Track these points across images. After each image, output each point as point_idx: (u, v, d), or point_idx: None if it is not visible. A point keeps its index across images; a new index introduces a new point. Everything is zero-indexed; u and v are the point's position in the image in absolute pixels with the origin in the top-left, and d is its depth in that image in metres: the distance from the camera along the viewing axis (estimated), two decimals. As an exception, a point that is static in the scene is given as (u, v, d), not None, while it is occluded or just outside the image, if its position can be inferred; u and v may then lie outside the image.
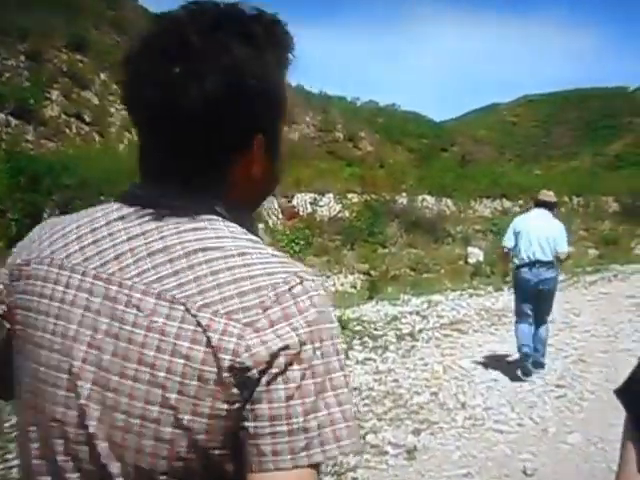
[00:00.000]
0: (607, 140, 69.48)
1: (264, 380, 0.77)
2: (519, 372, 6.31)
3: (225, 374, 0.77)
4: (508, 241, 6.52)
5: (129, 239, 0.85)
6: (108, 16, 28.97)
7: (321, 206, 24.07)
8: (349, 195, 24.73)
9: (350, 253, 20.50)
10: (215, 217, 0.86)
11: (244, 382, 0.77)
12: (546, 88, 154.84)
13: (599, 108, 78.53)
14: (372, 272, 18.31)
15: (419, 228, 24.21)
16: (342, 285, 16.90)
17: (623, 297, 11.19)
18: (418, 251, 21.44)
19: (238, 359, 0.77)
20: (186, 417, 0.78)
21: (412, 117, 38.75)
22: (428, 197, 27.18)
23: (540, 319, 6.47)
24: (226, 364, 0.77)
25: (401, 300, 10.82)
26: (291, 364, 0.77)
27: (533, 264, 6.29)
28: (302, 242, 16.78)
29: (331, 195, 24.49)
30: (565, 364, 6.74)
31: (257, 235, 0.90)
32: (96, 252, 0.86)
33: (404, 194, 26.46)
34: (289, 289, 0.80)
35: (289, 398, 0.77)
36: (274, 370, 0.77)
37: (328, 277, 17.54)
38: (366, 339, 7.78)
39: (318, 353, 0.79)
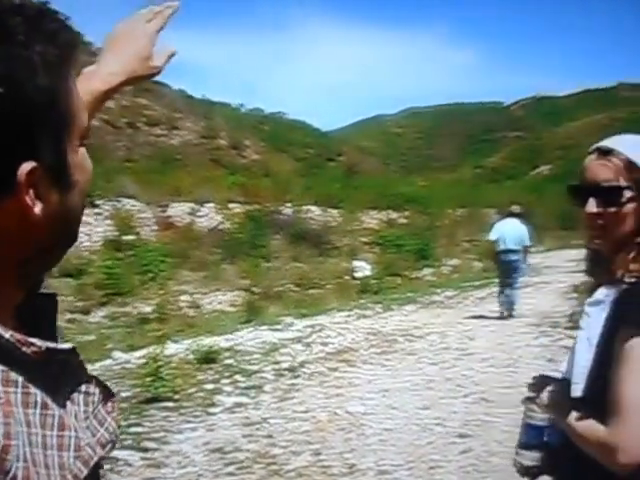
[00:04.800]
0: (485, 153, 72.48)
1: None
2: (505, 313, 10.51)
3: None
4: (492, 236, 10.88)
5: None
6: None
7: (200, 217, 22.61)
8: (230, 205, 23.36)
9: (230, 268, 19.17)
10: None
11: None
12: (430, 102, 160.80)
13: (478, 122, 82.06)
14: (254, 289, 17.09)
15: (304, 240, 23.24)
16: (220, 304, 15.56)
17: (514, 316, 10.70)
18: (303, 265, 20.40)
19: None
20: None
21: (298, 126, 38.18)
22: (313, 208, 26.34)
23: (513, 285, 10.70)
24: None
25: (282, 324, 9.74)
26: None
27: (508, 251, 10.51)
28: (168, 260, 15.21)
29: (211, 205, 23.04)
30: (466, 405, 5.84)
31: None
32: None
33: (289, 204, 25.48)
34: None
35: None
36: None
37: (205, 294, 16.19)
38: (238, 377, 6.60)
39: None
